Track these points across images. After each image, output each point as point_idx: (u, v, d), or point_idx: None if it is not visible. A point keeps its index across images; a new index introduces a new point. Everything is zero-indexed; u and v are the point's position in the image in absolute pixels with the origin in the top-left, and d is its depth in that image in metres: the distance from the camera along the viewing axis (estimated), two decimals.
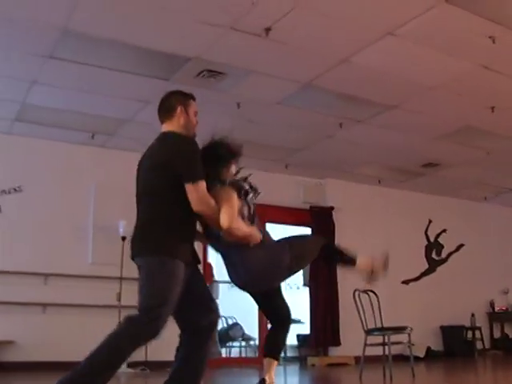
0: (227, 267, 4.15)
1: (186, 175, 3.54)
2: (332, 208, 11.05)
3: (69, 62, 6.61)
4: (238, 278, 4.10)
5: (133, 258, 3.66)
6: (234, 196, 3.86)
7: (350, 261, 4.62)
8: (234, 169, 4.19)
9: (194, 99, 3.92)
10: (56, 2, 5.45)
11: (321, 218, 10.94)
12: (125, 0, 5.48)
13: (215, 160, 3.97)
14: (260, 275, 4.05)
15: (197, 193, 3.54)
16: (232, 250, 4.00)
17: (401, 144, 9.48)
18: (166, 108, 3.86)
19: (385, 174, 11.13)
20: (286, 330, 4.47)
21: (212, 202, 3.64)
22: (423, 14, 5.71)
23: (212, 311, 3.75)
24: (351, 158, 10.20)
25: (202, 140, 3.88)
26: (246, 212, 3.97)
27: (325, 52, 6.49)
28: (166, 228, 3.56)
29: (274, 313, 4.44)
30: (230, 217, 3.67)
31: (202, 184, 3.57)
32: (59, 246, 8.74)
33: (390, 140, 9.29)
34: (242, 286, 4.19)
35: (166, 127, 3.82)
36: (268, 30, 5.93)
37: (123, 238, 8.43)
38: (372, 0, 5.53)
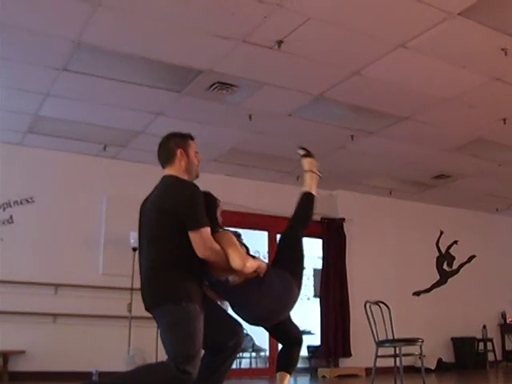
0: (236, 308, 4.06)
1: (189, 223, 3.51)
2: (343, 219, 11.04)
3: (82, 75, 6.65)
4: (254, 317, 4.04)
5: (148, 309, 3.62)
6: (234, 237, 3.85)
7: (311, 201, 4.45)
8: (220, 209, 4.17)
9: (192, 139, 3.88)
10: (69, 15, 5.49)
11: (332, 229, 10.93)
12: (137, 13, 5.51)
13: (207, 206, 3.88)
14: (278, 307, 4.02)
15: (201, 239, 3.51)
16: (237, 296, 3.94)
17: (412, 156, 9.47)
18: (166, 153, 3.81)
19: (396, 185, 11.12)
20: (299, 349, 4.45)
21: (217, 246, 3.61)
22: (435, 27, 5.72)
23: (237, 334, 3.79)
24: (363, 169, 10.19)
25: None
26: (244, 250, 3.95)
27: (336, 64, 6.50)
28: (177, 273, 3.53)
29: (285, 336, 4.41)
30: (242, 257, 3.69)
31: (206, 230, 3.55)
32: (70, 257, 8.77)
33: (402, 152, 9.28)
34: (260, 322, 4.19)
35: (168, 171, 3.78)
36: (280, 42, 5.95)
37: (134, 249, 8.45)
38: (384, 13, 5.54)
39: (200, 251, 3.51)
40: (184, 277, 3.52)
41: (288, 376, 4.36)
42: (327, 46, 6.13)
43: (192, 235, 3.50)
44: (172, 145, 3.80)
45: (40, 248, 8.63)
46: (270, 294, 3.91)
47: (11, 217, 8.59)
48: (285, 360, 4.42)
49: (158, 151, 3.86)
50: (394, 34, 5.89)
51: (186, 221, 3.50)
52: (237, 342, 3.76)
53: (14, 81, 6.85)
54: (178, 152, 3.75)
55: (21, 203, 8.69)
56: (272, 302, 3.94)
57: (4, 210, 8.56)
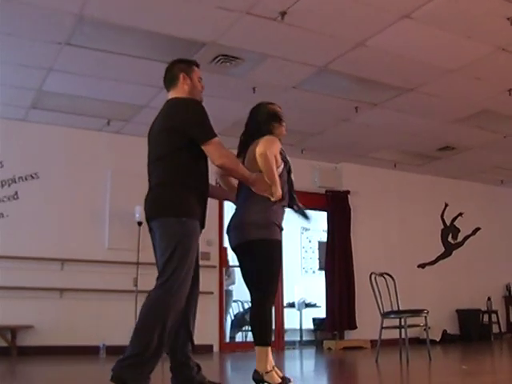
0: (231, 218, 4.24)
1: (200, 136, 3.70)
2: (348, 192, 11.03)
3: (85, 49, 6.61)
4: (240, 222, 4.15)
5: (149, 220, 3.78)
6: (277, 142, 4.13)
7: None
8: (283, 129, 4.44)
9: (197, 66, 4.10)
10: None
11: (337, 202, 10.93)
12: None
13: (269, 117, 4.31)
14: (257, 223, 4.08)
15: (214, 149, 3.69)
16: (244, 194, 4.15)
17: (417, 127, 9.42)
18: (170, 77, 4.02)
19: (401, 157, 11.08)
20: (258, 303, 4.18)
21: (231, 153, 3.85)
22: None
23: (198, 284, 3.90)
24: (367, 142, 10.16)
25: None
26: (280, 170, 4.13)
27: (340, 35, 6.45)
28: (181, 189, 3.69)
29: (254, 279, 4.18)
30: (266, 146, 3.95)
31: (217, 140, 3.73)
32: (76, 232, 8.80)
33: (406, 124, 9.23)
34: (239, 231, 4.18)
35: (172, 94, 3.98)
36: (283, 13, 5.89)
37: (139, 223, 8.47)
38: None
39: (215, 160, 3.70)
40: (188, 194, 3.69)
41: (258, 348, 4.16)
42: (331, 17, 6.07)
43: (205, 147, 3.69)
44: (176, 69, 4.01)
45: (45, 223, 8.66)
46: (254, 210, 4.08)
47: (16, 193, 8.60)
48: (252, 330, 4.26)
49: (164, 77, 4.08)
50: (398, 4, 5.82)
51: (195, 135, 3.69)
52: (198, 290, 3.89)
53: (17, 56, 6.81)
54: (181, 76, 3.95)
55: (25, 179, 8.70)
56: (256, 218, 4.07)
57: (9, 185, 8.57)
